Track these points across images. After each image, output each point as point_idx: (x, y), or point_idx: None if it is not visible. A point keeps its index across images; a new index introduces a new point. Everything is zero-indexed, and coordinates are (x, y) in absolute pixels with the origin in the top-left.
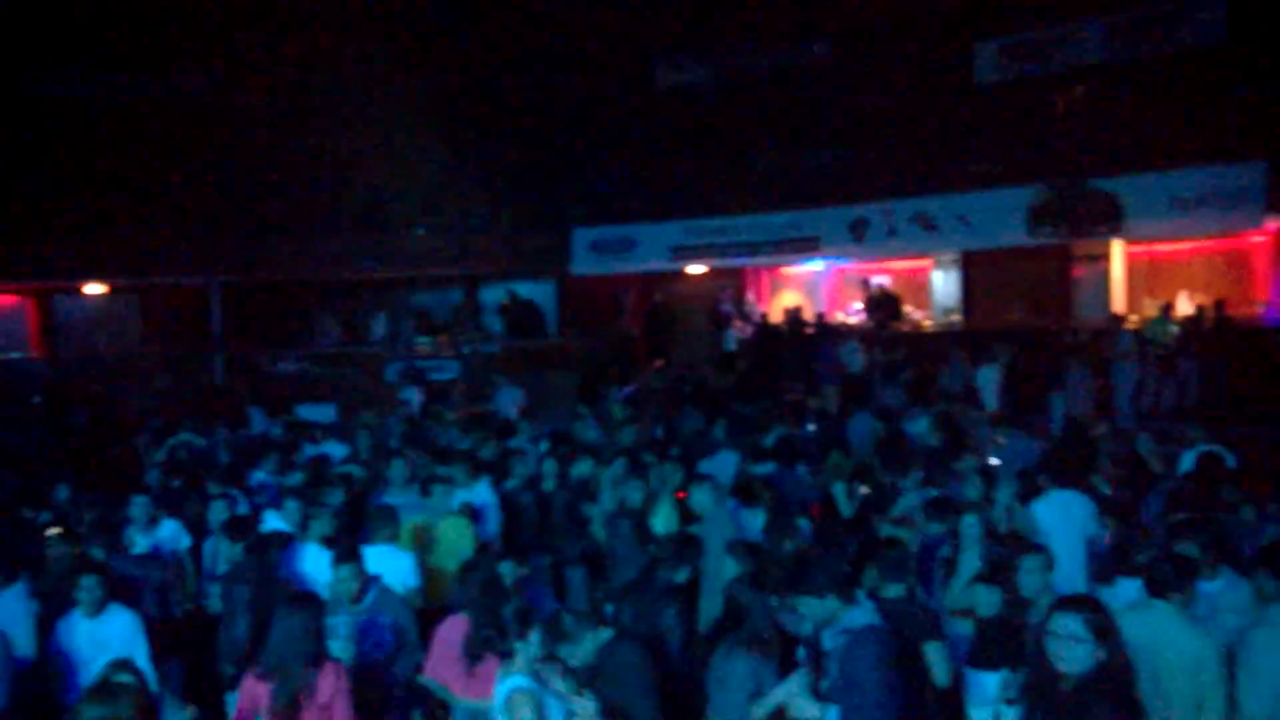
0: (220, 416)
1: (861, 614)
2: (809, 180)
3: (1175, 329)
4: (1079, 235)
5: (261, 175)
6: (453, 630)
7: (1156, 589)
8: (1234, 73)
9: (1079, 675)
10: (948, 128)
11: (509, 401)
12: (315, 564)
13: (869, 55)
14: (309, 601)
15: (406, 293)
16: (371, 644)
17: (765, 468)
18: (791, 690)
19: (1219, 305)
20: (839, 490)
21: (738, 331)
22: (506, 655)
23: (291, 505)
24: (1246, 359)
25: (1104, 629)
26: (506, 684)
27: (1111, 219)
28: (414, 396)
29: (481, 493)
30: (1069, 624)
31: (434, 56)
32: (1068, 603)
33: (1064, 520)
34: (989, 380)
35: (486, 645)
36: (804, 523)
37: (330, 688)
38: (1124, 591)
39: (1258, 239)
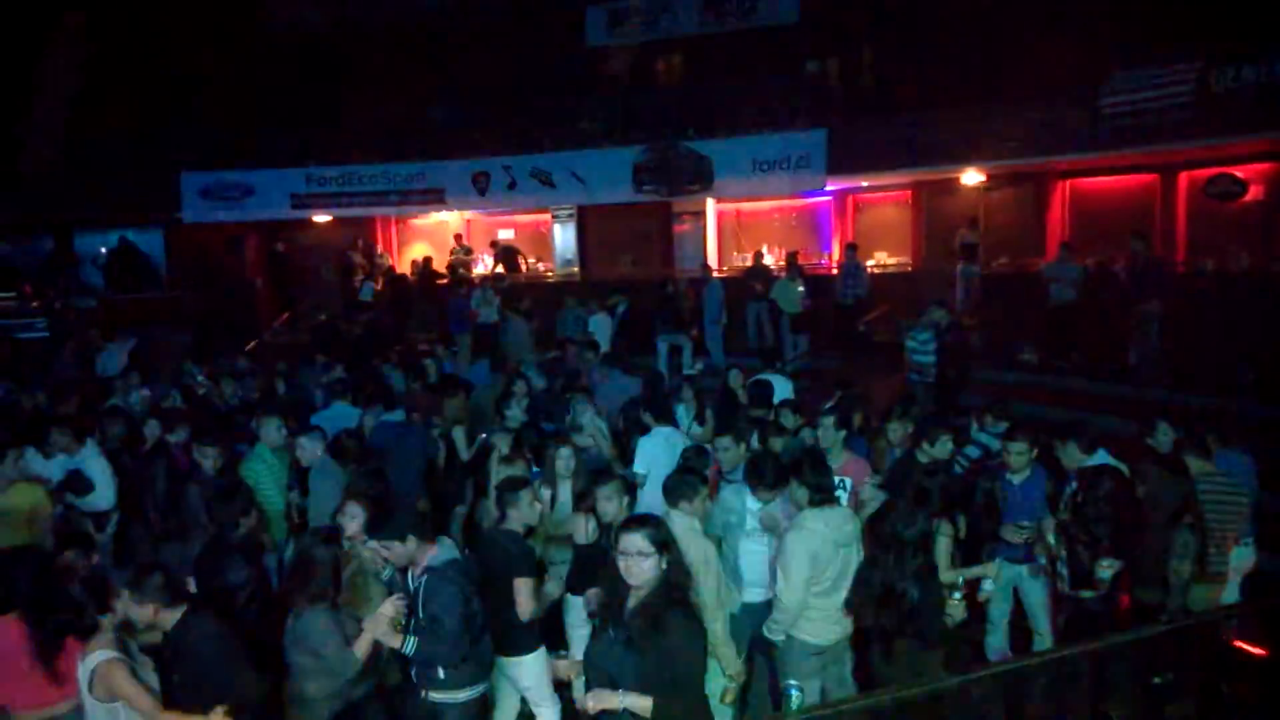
0: None
1: (442, 551)
2: (434, 132)
3: (802, 289)
4: (676, 193)
5: None
6: (3, 636)
7: (670, 499)
8: (803, 49)
9: (646, 585)
10: (562, 87)
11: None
12: None
13: (482, 9)
14: None
15: None
16: None
17: (395, 416)
18: (381, 620)
19: (791, 256)
20: (458, 435)
21: (374, 284)
22: (87, 632)
23: None
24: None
25: (665, 542)
26: (89, 660)
27: (703, 179)
28: None
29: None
30: (635, 540)
31: None
32: (633, 522)
33: (666, 451)
34: (600, 325)
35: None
36: None
37: None
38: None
39: (823, 199)
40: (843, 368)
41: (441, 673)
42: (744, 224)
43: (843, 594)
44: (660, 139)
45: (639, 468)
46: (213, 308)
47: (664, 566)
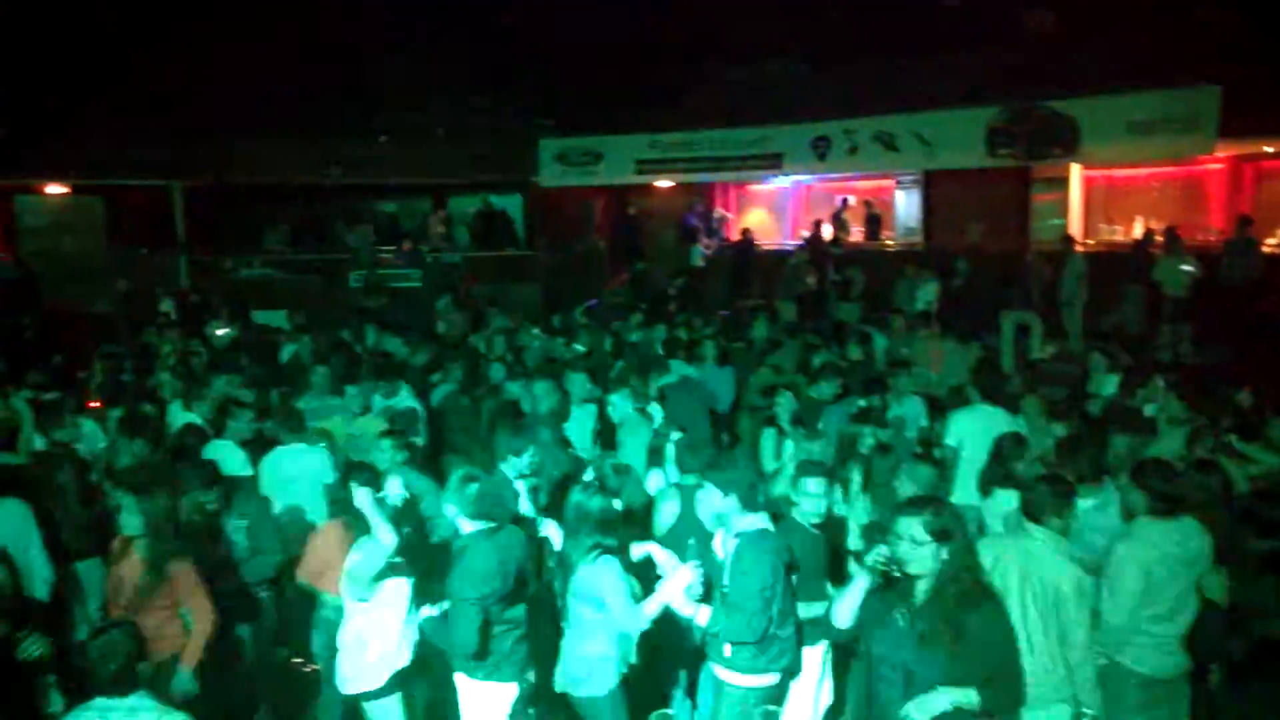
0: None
1: (757, 521)
2: (774, 96)
3: (1192, 270)
4: (1035, 157)
5: (227, 78)
6: (329, 534)
7: (1031, 513)
8: None
9: (929, 576)
10: (914, 44)
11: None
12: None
13: None
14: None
15: (372, 201)
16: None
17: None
18: (677, 583)
19: (1169, 230)
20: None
21: (704, 248)
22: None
23: (204, 406)
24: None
25: (944, 531)
26: None
27: (1067, 141)
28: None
29: (404, 399)
30: (909, 527)
31: None
32: (909, 505)
33: (982, 434)
34: (928, 298)
35: None
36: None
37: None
38: (1001, 501)
39: (1213, 166)
40: (1233, 363)
41: (729, 649)
42: (1115, 193)
43: (1185, 621)
44: (1018, 98)
45: (950, 441)
46: (562, 266)
47: (944, 556)
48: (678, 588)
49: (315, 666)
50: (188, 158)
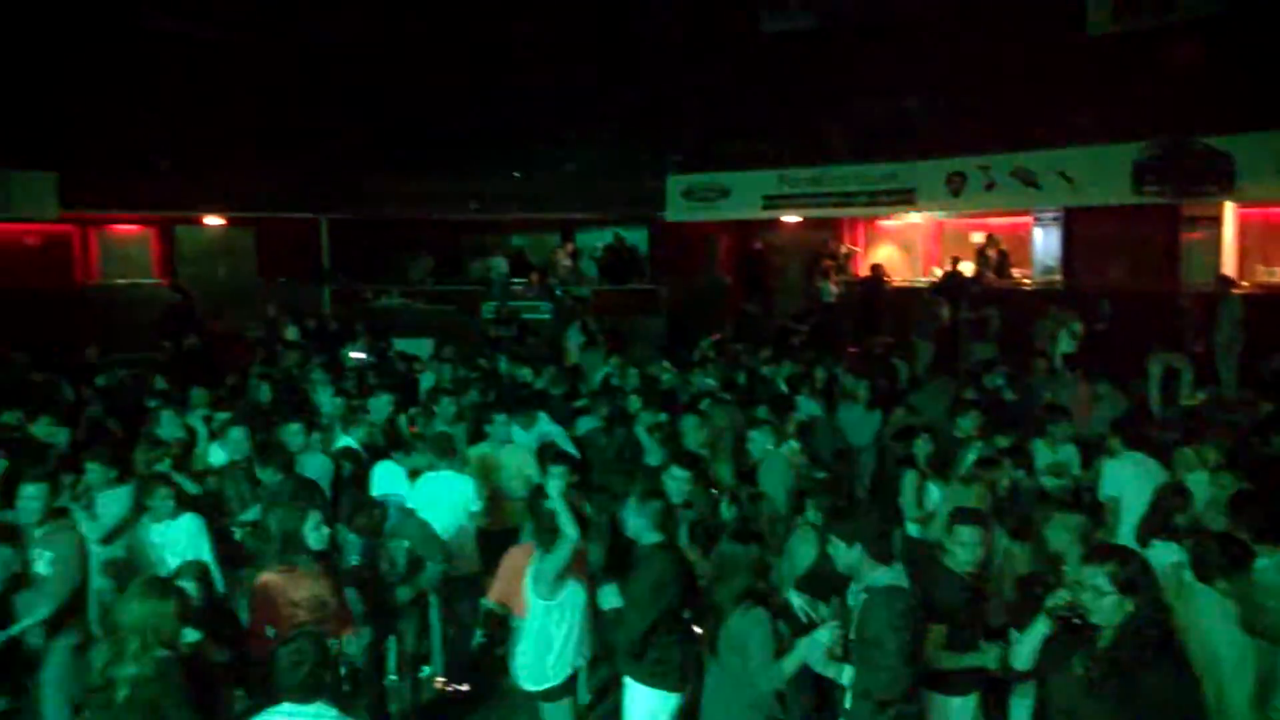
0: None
1: (887, 574)
2: (906, 131)
3: None
4: (1186, 195)
5: (372, 119)
6: (518, 556)
7: (1200, 571)
8: None
9: (1113, 628)
10: (1054, 80)
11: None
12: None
13: (975, 2)
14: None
15: (504, 234)
16: (387, 562)
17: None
18: (816, 646)
19: None
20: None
21: (833, 285)
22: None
23: (360, 430)
24: None
25: (1130, 581)
26: None
27: (1222, 179)
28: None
29: (544, 425)
30: (1094, 576)
31: (536, 5)
32: (1095, 555)
33: (1135, 481)
34: (1071, 339)
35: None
36: None
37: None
38: (1160, 555)
39: None
40: None
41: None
42: (1273, 232)
43: None
44: (1168, 133)
45: (1112, 492)
46: (687, 300)
47: (1129, 609)
48: (817, 649)
49: (463, 687)
50: (334, 193)
